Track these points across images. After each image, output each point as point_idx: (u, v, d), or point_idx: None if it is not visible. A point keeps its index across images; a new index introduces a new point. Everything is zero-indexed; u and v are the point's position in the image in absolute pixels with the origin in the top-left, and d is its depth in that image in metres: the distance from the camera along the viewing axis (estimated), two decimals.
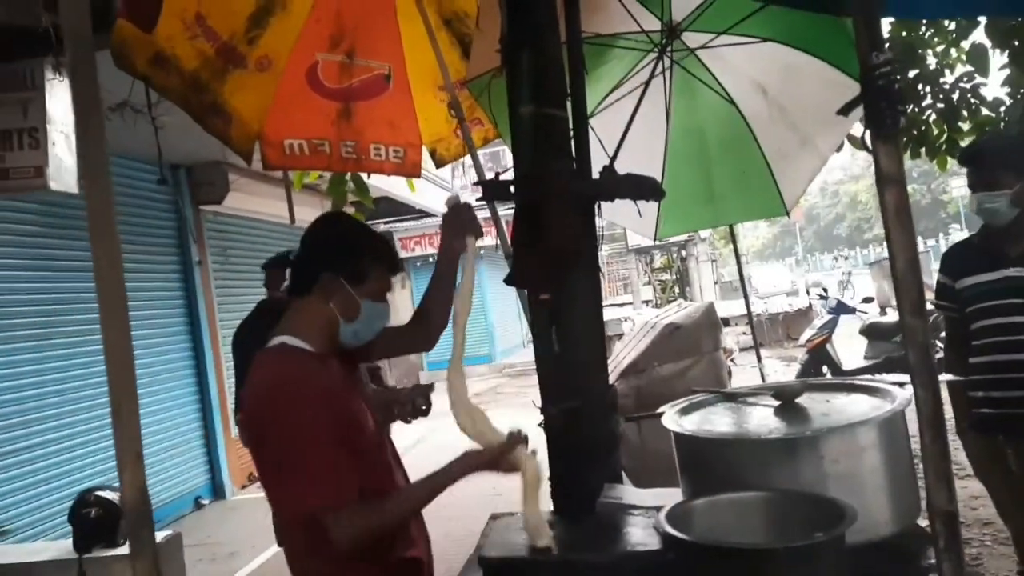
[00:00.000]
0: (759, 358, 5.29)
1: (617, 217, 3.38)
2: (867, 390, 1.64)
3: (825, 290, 9.77)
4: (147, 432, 6.05)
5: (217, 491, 6.78)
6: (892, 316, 8.36)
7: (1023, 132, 3.40)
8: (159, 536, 3.90)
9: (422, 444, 6.58)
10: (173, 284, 6.65)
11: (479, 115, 3.30)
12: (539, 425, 2.18)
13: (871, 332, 8.57)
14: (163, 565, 4.26)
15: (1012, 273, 2.38)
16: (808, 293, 14.21)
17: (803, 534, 1.23)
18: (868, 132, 1.11)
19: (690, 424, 1.65)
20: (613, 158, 2.34)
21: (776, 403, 1.66)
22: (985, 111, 3.89)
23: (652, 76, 2.49)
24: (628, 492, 1.89)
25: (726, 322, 12.54)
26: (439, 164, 3.56)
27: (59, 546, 3.89)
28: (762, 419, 1.61)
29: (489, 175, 2.26)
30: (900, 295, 1.11)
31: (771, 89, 2.91)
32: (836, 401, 1.63)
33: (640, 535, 1.56)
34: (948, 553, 1.12)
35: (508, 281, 2.10)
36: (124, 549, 3.65)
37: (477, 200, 2.03)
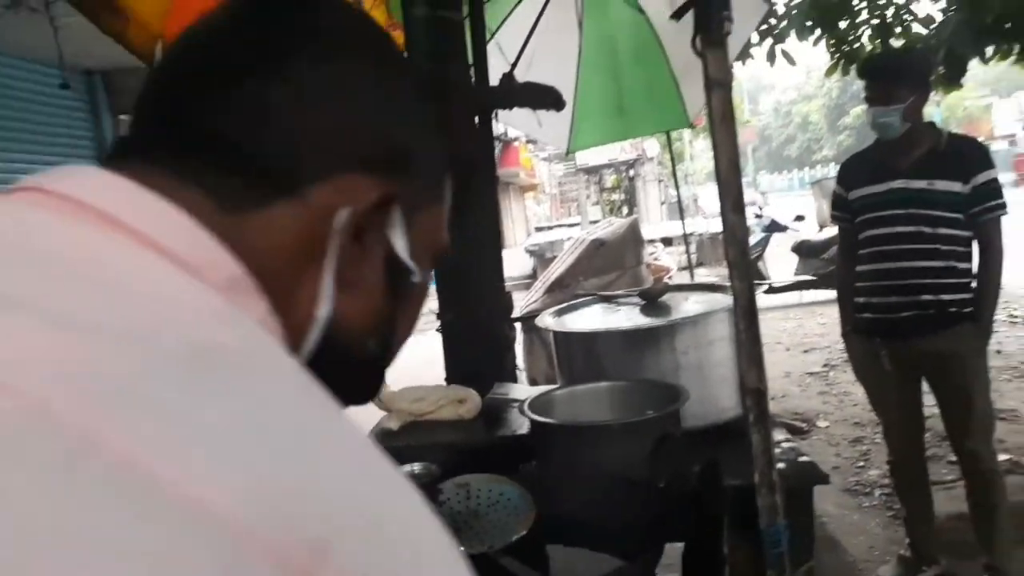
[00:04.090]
0: (692, 276, 5.59)
1: (529, 129, 3.40)
2: (725, 289, 1.76)
3: (760, 208, 10.01)
4: None
5: None
6: (825, 234, 8.64)
7: (922, 47, 3.47)
8: None
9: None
10: None
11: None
12: (436, 331, 2.28)
13: (801, 249, 8.85)
14: None
15: (897, 185, 2.48)
16: None
17: (639, 413, 1.36)
18: (698, 38, 1.16)
19: (564, 323, 1.76)
20: (513, 65, 2.35)
21: (642, 303, 1.77)
22: (917, 27, 3.90)
23: None
24: (515, 389, 2.02)
25: (668, 241, 12.80)
26: None
27: None
28: (627, 316, 1.73)
29: None
30: (722, 193, 1.20)
31: None
32: (694, 299, 1.75)
33: (516, 422, 1.71)
34: (757, 426, 1.26)
35: None
36: None
37: None
